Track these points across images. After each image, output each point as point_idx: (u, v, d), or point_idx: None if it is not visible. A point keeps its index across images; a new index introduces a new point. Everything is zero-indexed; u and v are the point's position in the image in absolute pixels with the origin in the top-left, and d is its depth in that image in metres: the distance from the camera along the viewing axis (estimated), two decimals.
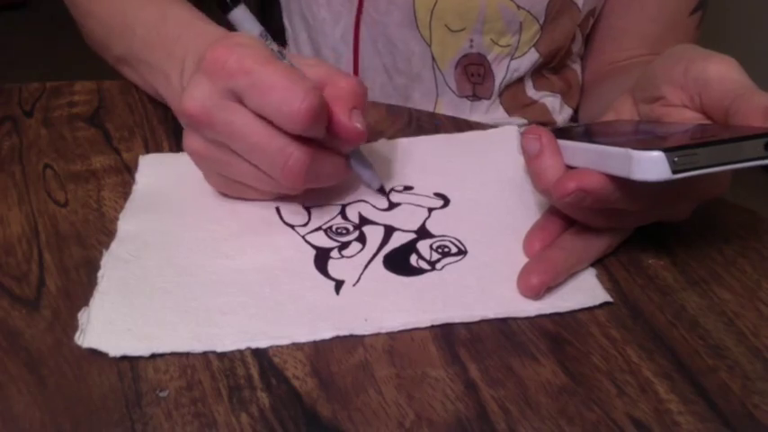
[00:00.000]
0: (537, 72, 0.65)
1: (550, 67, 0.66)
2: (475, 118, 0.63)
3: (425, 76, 0.63)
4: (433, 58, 0.62)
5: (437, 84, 0.64)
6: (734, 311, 0.35)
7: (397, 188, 0.44)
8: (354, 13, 0.62)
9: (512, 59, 0.62)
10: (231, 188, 0.41)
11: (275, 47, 0.39)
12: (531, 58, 0.63)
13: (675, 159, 0.30)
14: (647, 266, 0.38)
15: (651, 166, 0.30)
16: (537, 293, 0.35)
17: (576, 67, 0.68)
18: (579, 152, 0.35)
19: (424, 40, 0.61)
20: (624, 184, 0.33)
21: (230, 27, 0.44)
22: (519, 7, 0.59)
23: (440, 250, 0.39)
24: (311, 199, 0.42)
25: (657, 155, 0.30)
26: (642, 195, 0.34)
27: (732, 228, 0.41)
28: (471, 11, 0.59)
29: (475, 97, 0.64)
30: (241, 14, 0.40)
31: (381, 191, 0.43)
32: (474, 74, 0.63)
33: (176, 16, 0.49)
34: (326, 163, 0.39)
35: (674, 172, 0.30)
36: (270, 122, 0.36)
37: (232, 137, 0.37)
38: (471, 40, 0.61)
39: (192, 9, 0.49)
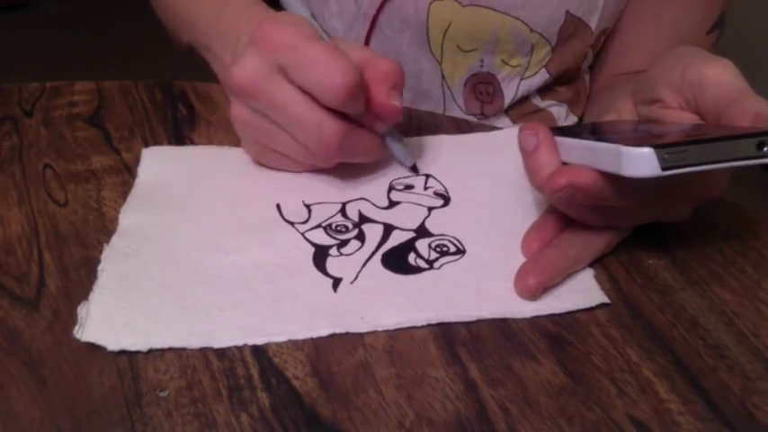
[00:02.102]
0: (544, 86, 0.65)
1: (560, 83, 0.65)
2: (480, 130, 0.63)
3: (433, 92, 0.63)
4: (443, 76, 0.62)
5: (445, 100, 0.63)
6: (734, 311, 0.35)
7: (397, 187, 0.44)
8: (367, 27, 0.62)
9: (522, 80, 0.62)
10: (267, 157, 0.44)
11: (321, 29, 0.41)
12: (541, 78, 0.62)
13: (665, 156, 0.30)
14: (647, 266, 0.38)
15: (641, 162, 0.30)
16: (533, 294, 0.35)
17: (586, 76, 0.68)
18: (574, 149, 0.35)
19: (435, 59, 0.61)
20: (616, 181, 0.33)
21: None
22: (532, 30, 0.59)
23: (438, 249, 0.39)
24: (312, 196, 0.42)
25: (647, 151, 0.30)
26: (635, 193, 0.34)
27: (732, 228, 0.42)
28: (484, 33, 0.59)
29: (482, 116, 0.64)
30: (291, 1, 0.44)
31: (414, 169, 0.45)
32: (483, 92, 0.63)
33: (236, 3, 0.51)
34: (361, 139, 0.41)
35: (664, 169, 0.30)
36: (311, 97, 0.38)
37: (274, 108, 0.40)
38: (482, 60, 0.61)
39: None
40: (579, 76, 0.67)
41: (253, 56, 0.39)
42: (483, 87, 0.63)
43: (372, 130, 0.42)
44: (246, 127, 0.42)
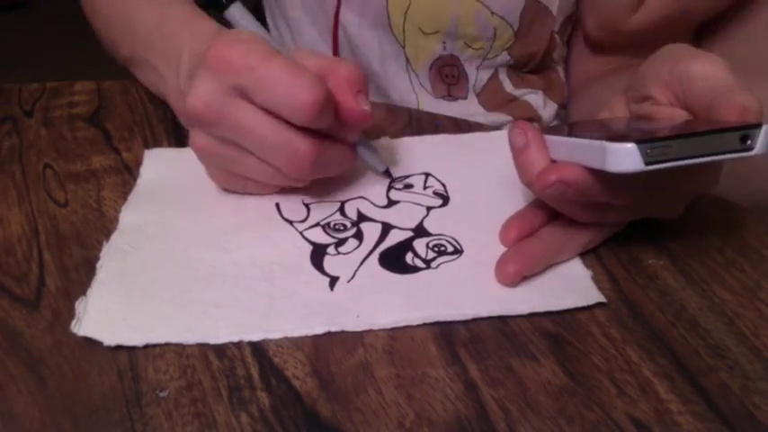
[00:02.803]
0: (513, 72, 0.65)
1: (527, 70, 0.66)
2: (456, 116, 0.63)
3: (401, 77, 0.63)
4: (408, 60, 0.62)
5: (413, 85, 0.64)
6: (734, 311, 0.35)
7: (396, 186, 0.44)
8: (333, 12, 0.62)
9: (483, 60, 0.62)
10: (235, 183, 0.42)
11: (274, 42, 0.39)
12: (502, 59, 0.63)
13: (648, 151, 0.30)
14: (647, 266, 0.38)
15: (624, 157, 0.30)
16: (512, 281, 0.36)
17: (559, 68, 0.68)
18: (562, 146, 0.36)
19: (398, 43, 0.61)
20: (604, 178, 0.33)
21: (228, 25, 0.44)
22: (493, 13, 0.59)
23: (436, 249, 0.39)
24: (311, 195, 0.43)
25: (630, 146, 0.30)
26: (624, 189, 0.35)
27: (732, 227, 0.41)
28: (444, 15, 0.59)
29: (451, 97, 0.64)
30: (238, 12, 0.40)
31: (387, 173, 0.44)
32: (449, 75, 0.63)
33: (175, 15, 0.49)
34: (333, 152, 0.40)
35: (647, 163, 0.30)
36: (276, 117, 0.36)
37: (240, 133, 0.37)
38: (444, 43, 0.61)
39: (192, 7, 0.49)
40: (550, 66, 0.67)
41: (206, 80, 0.37)
42: (448, 70, 0.63)
43: (343, 139, 0.40)
44: (210, 156, 0.40)
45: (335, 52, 0.64)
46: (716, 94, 0.33)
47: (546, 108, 0.67)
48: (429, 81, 0.63)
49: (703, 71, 0.35)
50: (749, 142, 0.31)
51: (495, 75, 0.64)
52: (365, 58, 0.63)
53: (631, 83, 0.41)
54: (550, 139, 0.37)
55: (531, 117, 0.67)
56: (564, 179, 0.34)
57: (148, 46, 0.50)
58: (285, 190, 0.42)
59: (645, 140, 0.30)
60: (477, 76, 0.63)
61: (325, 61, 0.39)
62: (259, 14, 0.74)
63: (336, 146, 0.40)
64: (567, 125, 0.45)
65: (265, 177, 0.40)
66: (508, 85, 0.65)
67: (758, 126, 0.30)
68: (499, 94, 0.65)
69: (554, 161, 0.36)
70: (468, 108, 0.65)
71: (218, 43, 0.36)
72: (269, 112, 0.36)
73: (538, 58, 0.64)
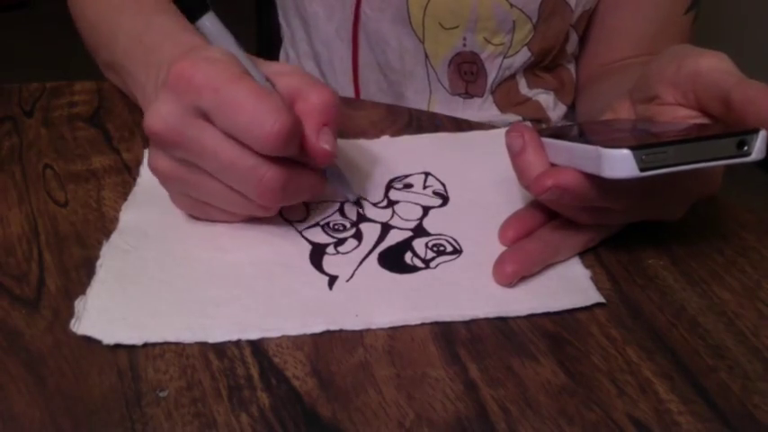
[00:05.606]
0: (529, 71, 0.65)
1: (543, 66, 0.66)
2: (467, 116, 0.63)
3: (418, 73, 0.64)
4: (426, 56, 0.63)
5: (430, 81, 0.64)
6: (734, 311, 0.35)
7: (396, 186, 0.44)
8: (353, 8, 0.62)
9: (504, 58, 0.63)
10: (200, 210, 0.39)
11: (245, 60, 0.37)
12: (523, 56, 0.63)
13: (643, 157, 0.30)
14: (647, 266, 0.38)
15: (619, 163, 0.30)
16: (510, 282, 0.36)
17: (571, 66, 0.68)
18: (559, 150, 0.36)
19: (417, 38, 0.62)
20: (600, 182, 0.33)
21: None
22: (512, 6, 0.59)
23: (435, 249, 0.39)
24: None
25: (625, 152, 0.30)
26: (622, 193, 0.35)
27: (732, 228, 0.41)
28: (464, 8, 0.59)
29: (467, 95, 0.64)
30: (210, 24, 0.37)
31: (358, 203, 0.42)
32: (467, 72, 0.63)
33: (160, 25, 0.46)
34: (302, 179, 0.37)
35: (642, 170, 0.30)
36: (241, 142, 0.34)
37: (202, 156, 0.35)
38: (464, 38, 0.61)
39: (178, 18, 0.46)
40: (562, 64, 0.67)
41: (167, 100, 0.34)
42: (467, 67, 0.63)
43: (312, 166, 0.37)
44: (170, 179, 0.37)
45: (355, 48, 0.64)
46: (728, 86, 0.33)
47: (556, 109, 0.68)
48: (447, 77, 0.64)
49: (712, 66, 0.35)
50: (746, 148, 0.31)
51: (513, 74, 0.64)
52: (383, 53, 0.63)
53: (636, 84, 0.41)
54: (548, 142, 0.36)
55: (540, 118, 0.67)
56: (560, 184, 0.34)
57: (128, 54, 0.48)
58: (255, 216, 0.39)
59: (640, 146, 0.30)
60: (496, 75, 0.63)
61: (297, 82, 0.37)
62: (270, 10, 0.74)
63: (305, 172, 0.37)
64: (570, 127, 0.44)
65: (230, 205, 0.38)
66: (523, 86, 0.66)
67: (755, 131, 0.30)
68: (512, 94, 0.65)
69: (553, 164, 0.36)
70: (480, 107, 0.65)
71: (183, 61, 0.34)
72: (233, 136, 0.34)
73: (554, 52, 0.64)
